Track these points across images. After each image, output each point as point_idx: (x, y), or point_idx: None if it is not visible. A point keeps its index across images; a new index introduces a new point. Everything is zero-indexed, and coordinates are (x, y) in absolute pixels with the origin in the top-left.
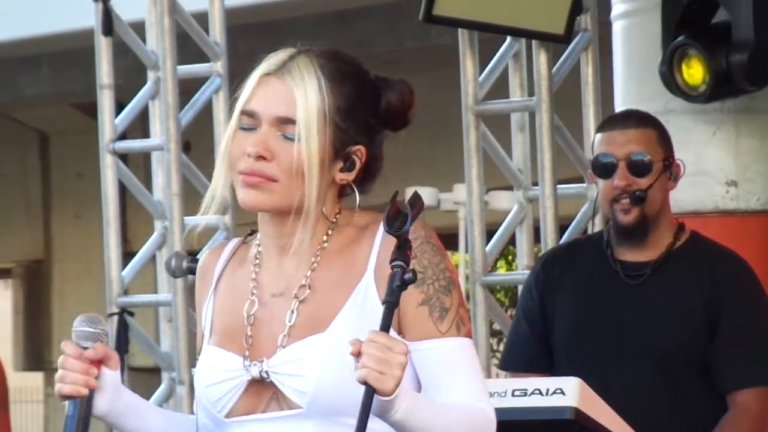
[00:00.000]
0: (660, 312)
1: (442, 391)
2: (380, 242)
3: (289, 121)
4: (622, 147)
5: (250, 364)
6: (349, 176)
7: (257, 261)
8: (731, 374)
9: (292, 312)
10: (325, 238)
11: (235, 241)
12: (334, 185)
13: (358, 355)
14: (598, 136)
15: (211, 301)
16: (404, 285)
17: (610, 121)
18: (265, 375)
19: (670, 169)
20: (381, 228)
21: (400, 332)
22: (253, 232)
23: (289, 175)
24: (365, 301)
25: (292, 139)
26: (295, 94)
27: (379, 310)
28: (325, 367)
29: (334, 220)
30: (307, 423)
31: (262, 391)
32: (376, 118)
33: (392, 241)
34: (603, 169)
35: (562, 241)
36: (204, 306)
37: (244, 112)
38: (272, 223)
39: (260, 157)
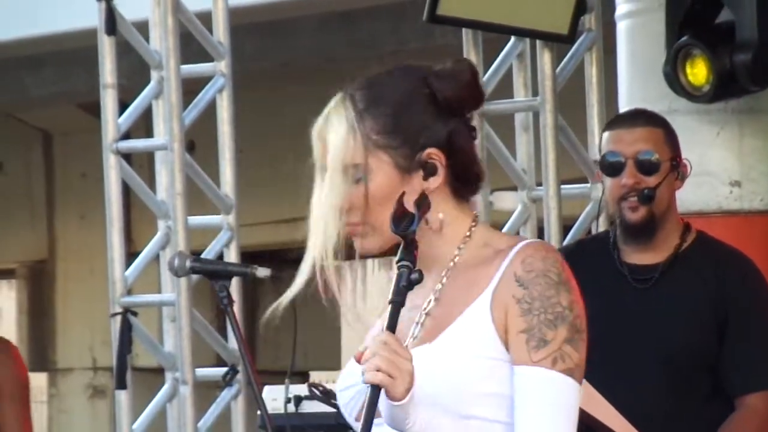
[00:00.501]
0: (668, 316)
1: (516, 420)
2: (506, 266)
3: (350, 167)
4: (630, 145)
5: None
6: (437, 180)
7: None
8: (741, 377)
9: (417, 324)
10: (456, 252)
11: None
12: (438, 193)
13: (359, 361)
14: (606, 134)
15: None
16: (410, 285)
17: (618, 120)
18: None
19: (677, 169)
20: (513, 252)
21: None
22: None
23: (372, 214)
24: (477, 320)
25: (361, 180)
26: (341, 142)
27: (490, 331)
28: (423, 377)
29: (468, 234)
30: None
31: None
32: (438, 113)
33: (512, 269)
34: (611, 167)
35: (566, 242)
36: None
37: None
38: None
39: (348, 210)
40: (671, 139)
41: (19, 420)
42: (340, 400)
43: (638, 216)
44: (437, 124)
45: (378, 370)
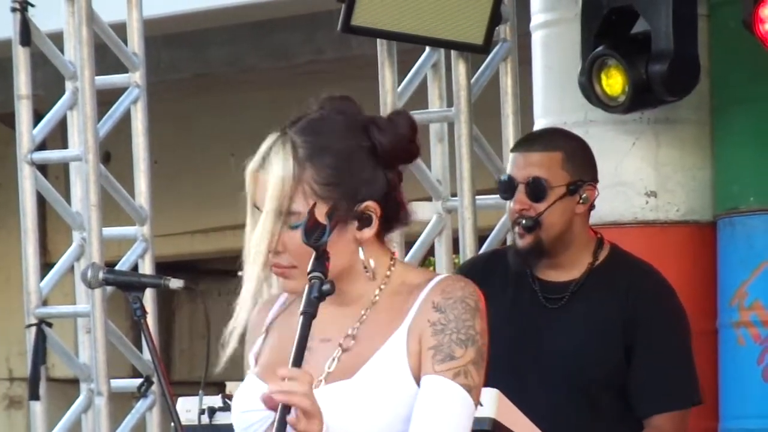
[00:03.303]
0: (579, 336)
1: (412, 422)
2: (423, 298)
3: (289, 214)
4: (523, 170)
5: None
6: (371, 231)
7: None
8: (647, 398)
9: (333, 359)
10: (377, 292)
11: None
12: (355, 243)
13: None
14: (510, 155)
15: (261, 339)
16: (322, 296)
17: (520, 143)
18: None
19: (577, 192)
20: (430, 285)
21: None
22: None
23: (303, 260)
24: (393, 356)
25: (297, 227)
26: (281, 190)
27: (404, 368)
28: (342, 412)
29: (388, 274)
30: None
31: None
32: (376, 165)
33: (430, 299)
34: (504, 190)
35: (481, 251)
36: (255, 345)
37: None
38: None
39: (276, 252)
40: (572, 162)
41: None
42: (240, 423)
43: (524, 242)
44: (376, 176)
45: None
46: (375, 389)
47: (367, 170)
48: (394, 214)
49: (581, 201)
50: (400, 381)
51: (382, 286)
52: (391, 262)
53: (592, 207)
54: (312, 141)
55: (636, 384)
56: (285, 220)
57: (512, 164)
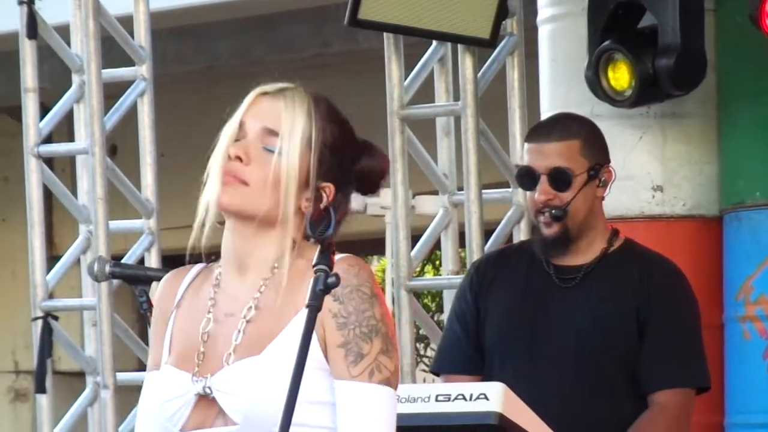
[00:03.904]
0: (590, 315)
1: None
2: None
3: (273, 134)
4: (544, 160)
5: (196, 380)
6: (312, 211)
7: (217, 281)
8: (653, 375)
9: (239, 332)
10: (275, 265)
11: (199, 266)
12: (298, 213)
13: None
14: (525, 146)
15: (171, 323)
16: (327, 289)
17: (535, 131)
18: (208, 391)
19: (597, 177)
20: None
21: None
22: (217, 258)
23: (261, 184)
24: (299, 333)
25: (271, 151)
26: (284, 113)
27: (313, 344)
28: (256, 389)
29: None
30: None
31: (210, 406)
32: (351, 173)
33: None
34: (526, 181)
35: (487, 246)
36: (164, 327)
37: (239, 125)
38: (233, 236)
39: (237, 158)
40: (590, 147)
41: None
42: (160, 414)
43: (552, 231)
44: (351, 179)
45: None
46: (284, 367)
47: (348, 167)
48: (325, 218)
49: (601, 184)
50: (310, 356)
51: (283, 262)
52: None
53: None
54: (328, 107)
55: (643, 362)
56: (263, 139)
57: (531, 155)
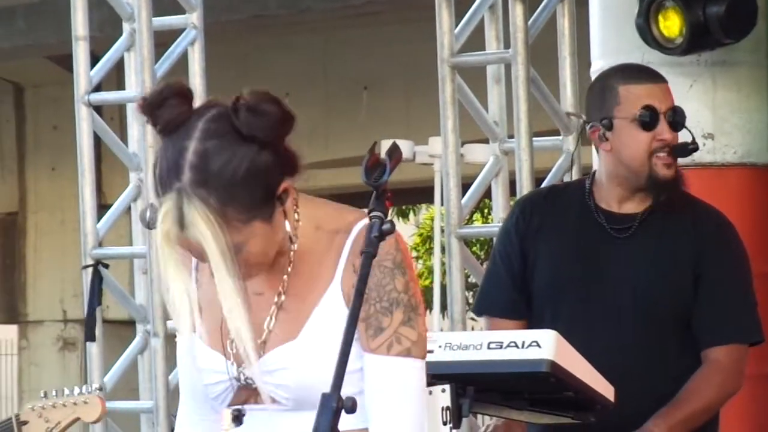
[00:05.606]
0: (648, 266)
1: (367, 407)
2: (346, 255)
3: (229, 251)
4: (664, 101)
5: (236, 372)
6: (289, 200)
7: None
8: (707, 331)
9: (271, 318)
10: (294, 242)
11: None
12: (279, 215)
13: None
14: (635, 87)
15: (194, 286)
16: (382, 235)
17: (645, 72)
18: (250, 381)
19: None
20: (350, 239)
21: None
22: None
23: (263, 257)
24: (332, 311)
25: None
26: (201, 243)
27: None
28: (300, 374)
29: (297, 218)
30: (294, 413)
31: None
32: (261, 149)
33: (351, 261)
34: (647, 121)
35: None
36: (190, 278)
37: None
38: None
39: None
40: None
41: None
42: (209, 392)
43: (671, 172)
44: (274, 167)
45: None
46: (322, 348)
47: (269, 168)
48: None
49: None
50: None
51: (295, 235)
52: (294, 204)
53: None
54: (220, 189)
55: (698, 317)
56: (237, 251)
57: (648, 95)
